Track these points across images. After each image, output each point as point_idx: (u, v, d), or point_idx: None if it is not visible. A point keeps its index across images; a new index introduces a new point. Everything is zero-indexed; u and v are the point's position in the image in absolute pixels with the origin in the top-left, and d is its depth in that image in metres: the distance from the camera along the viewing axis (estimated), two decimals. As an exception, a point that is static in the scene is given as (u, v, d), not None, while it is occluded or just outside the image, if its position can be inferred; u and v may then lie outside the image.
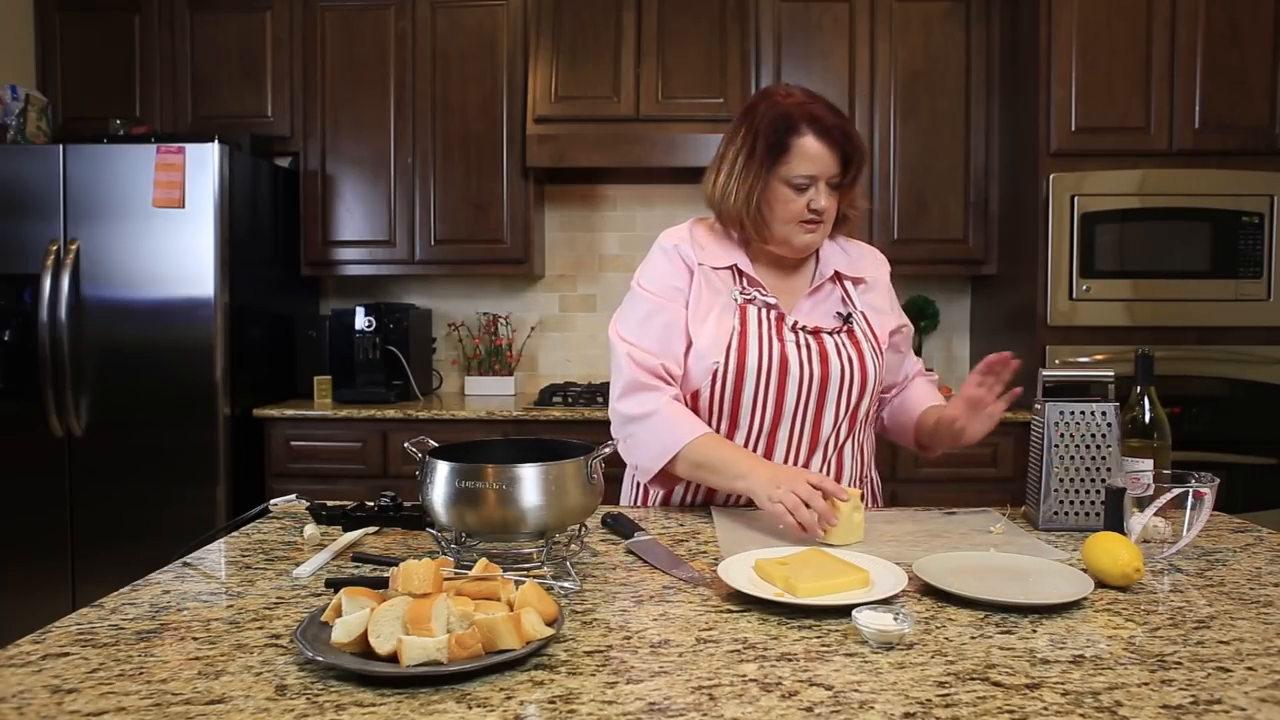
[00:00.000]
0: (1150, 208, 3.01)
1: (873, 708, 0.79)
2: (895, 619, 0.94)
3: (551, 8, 3.35)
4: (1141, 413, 1.41)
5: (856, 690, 0.83)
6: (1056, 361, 3.00)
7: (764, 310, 1.57)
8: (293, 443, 3.21)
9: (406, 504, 1.43)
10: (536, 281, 3.80)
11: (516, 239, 3.46)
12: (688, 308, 1.57)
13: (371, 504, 1.44)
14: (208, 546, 1.34)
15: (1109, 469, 1.41)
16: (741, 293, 1.57)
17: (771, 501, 1.35)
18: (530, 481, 1.13)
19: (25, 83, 3.44)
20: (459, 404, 3.36)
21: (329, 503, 1.48)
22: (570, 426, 3.12)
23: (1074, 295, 3.02)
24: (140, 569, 1.24)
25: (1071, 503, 1.43)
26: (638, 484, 1.68)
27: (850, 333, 1.59)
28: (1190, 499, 1.21)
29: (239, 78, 3.49)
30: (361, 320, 3.35)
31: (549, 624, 0.92)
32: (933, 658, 0.91)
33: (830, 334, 1.57)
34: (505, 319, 3.72)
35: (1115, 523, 1.28)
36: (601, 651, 0.92)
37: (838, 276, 1.63)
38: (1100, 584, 1.12)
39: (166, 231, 3.04)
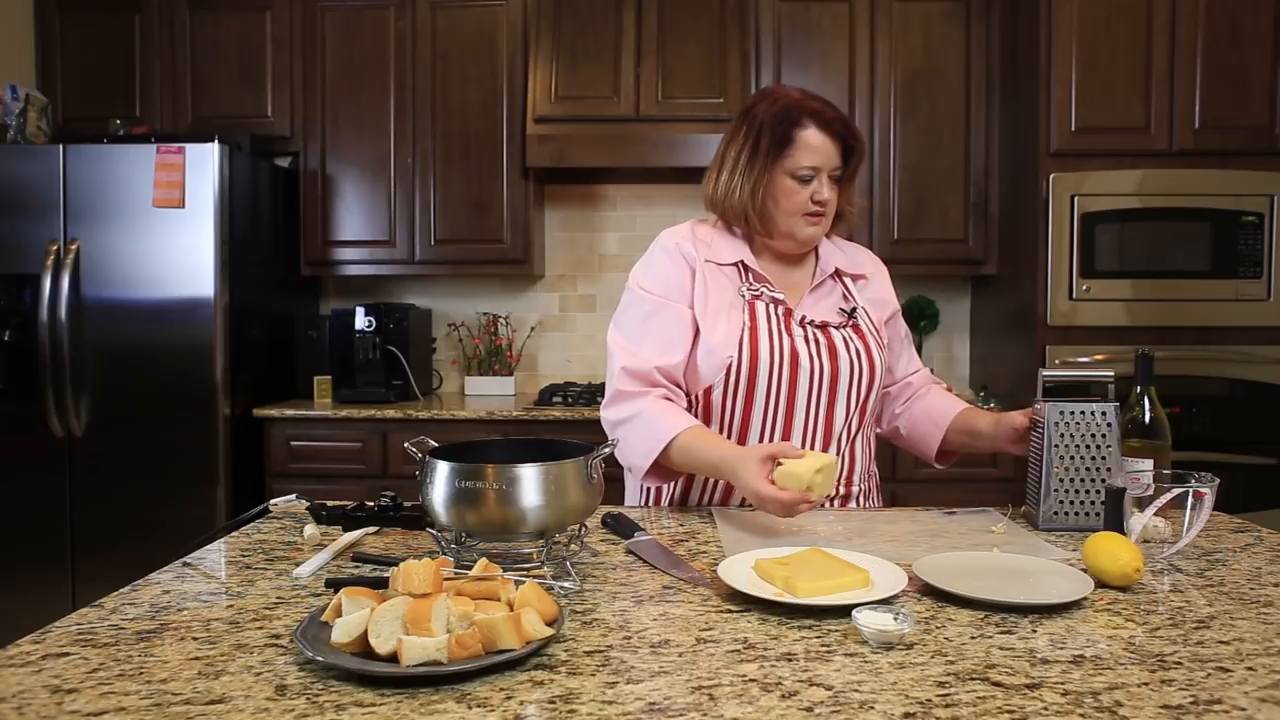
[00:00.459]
0: (1150, 208, 3.01)
1: (873, 708, 0.79)
2: (895, 619, 0.94)
3: (551, 8, 3.35)
4: (1141, 413, 1.40)
5: (856, 690, 0.83)
6: (1056, 361, 3.00)
7: (772, 305, 1.58)
8: (293, 443, 3.21)
9: (406, 504, 1.43)
10: (536, 281, 3.80)
11: (516, 239, 3.46)
12: (693, 306, 1.58)
13: (371, 504, 1.44)
14: (208, 546, 1.34)
15: (1109, 469, 1.41)
16: (749, 288, 1.59)
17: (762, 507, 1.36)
18: (530, 481, 1.13)
19: (25, 83, 3.44)
20: (459, 404, 3.36)
21: (329, 503, 1.47)
22: (570, 426, 3.12)
23: (1074, 295, 3.02)
24: (140, 569, 1.23)
25: (1071, 502, 1.43)
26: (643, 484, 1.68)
27: (855, 327, 1.61)
28: (1190, 499, 1.20)
29: (239, 78, 3.49)
30: (361, 320, 3.35)
31: (549, 624, 0.92)
32: (933, 658, 0.91)
33: (836, 328, 1.59)
34: (505, 319, 3.72)
35: (1115, 523, 1.28)
36: (601, 651, 0.92)
37: (838, 273, 1.66)
38: (1100, 584, 1.12)
39: (166, 231, 3.04)
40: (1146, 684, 0.84)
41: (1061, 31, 3.02)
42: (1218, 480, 1.22)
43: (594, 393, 3.33)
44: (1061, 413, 1.43)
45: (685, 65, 3.31)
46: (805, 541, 1.33)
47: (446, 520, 1.16)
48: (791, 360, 1.54)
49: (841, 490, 1.61)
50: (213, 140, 3.05)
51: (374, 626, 0.86)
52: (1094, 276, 3.01)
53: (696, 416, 1.60)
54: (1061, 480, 1.43)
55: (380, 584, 1.03)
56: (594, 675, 0.86)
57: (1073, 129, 3.03)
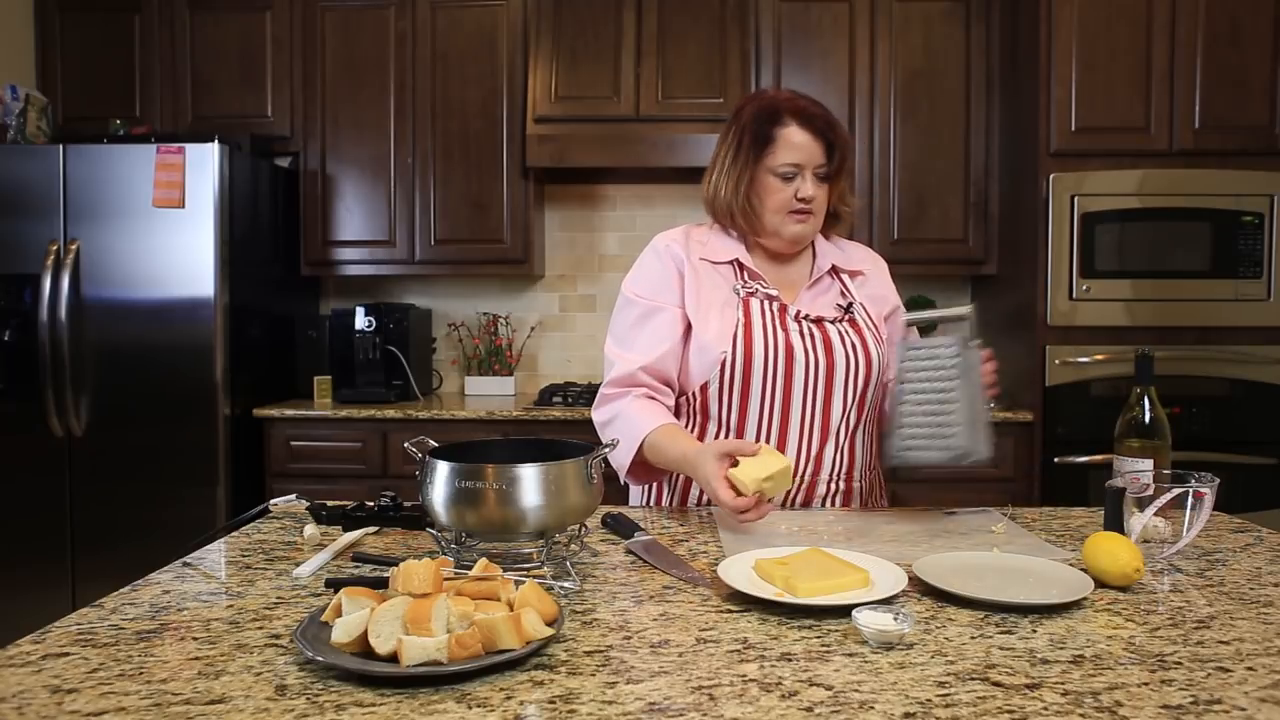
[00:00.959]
0: (1150, 208, 3.01)
1: (873, 708, 0.79)
2: (895, 619, 0.94)
3: (551, 8, 3.35)
4: (1141, 413, 1.41)
5: (856, 690, 0.83)
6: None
7: (766, 301, 1.60)
8: (293, 443, 3.21)
9: (406, 504, 1.43)
10: (536, 281, 3.80)
11: (516, 239, 3.46)
12: (684, 305, 1.60)
13: (371, 504, 1.44)
14: (208, 546, 1.34)
15: (956, 403, 1.41)
16: (743, 286, 1.60)
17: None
18: (530, 481, 1.13)
19: (25, 83, 3.44)
20: (459, 404, 3.36)
21: (329, 503, 1.48)
22: (570, 426, 3.12)
23: (1074, 295, 3.02)
24: (140, 569, 1.23)
25: (919, 437, 1.44)
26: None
27: (852, 321, 1.62)
28: (1190, 499, 1.20)
29: (239, 78, 3.49)
30: (361, 320, 3.35)
31: (549, 624, 0.92)
32: (933, 658, 0.91)
33: (832, 323, 1.60)
34: (505, 319, 3.72)
35: (1115, 523, 1.28)
36: (601, 651, 0.92)
37: (835, 271, 1.67)
38: (1100, 584, 1.12)
39: (166, 231, 3.04)
40: (1146, 684, 0.84)
41: (1061, 31, 3.02)
42: (1218, 480, 1.22)
43: (594, 393, 3.31)
44: (909, 350, 1.46)
45: (685, 65, 3.31)
46: (805, 541, 1.33)
47: (446, 520, 1.16)
48: (786, 355, 1.55)
49: (842, 486, 1.62)
50: (213, 140, 3.04)
51: (374, 626, 0.86)
52: (1094, 276, 3.01)
53: (694, 413, 1.61)
54: (911, 415, 1.44)
55: (380, 584, 1.03)
56: (594, 675, 0.86)
57: (1073, 129, 3.03)
